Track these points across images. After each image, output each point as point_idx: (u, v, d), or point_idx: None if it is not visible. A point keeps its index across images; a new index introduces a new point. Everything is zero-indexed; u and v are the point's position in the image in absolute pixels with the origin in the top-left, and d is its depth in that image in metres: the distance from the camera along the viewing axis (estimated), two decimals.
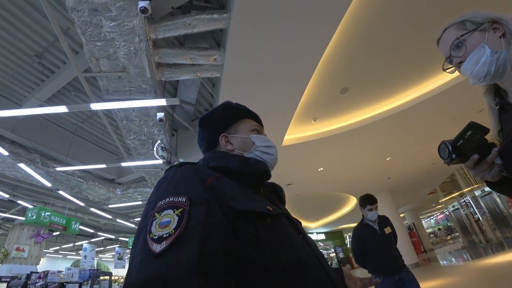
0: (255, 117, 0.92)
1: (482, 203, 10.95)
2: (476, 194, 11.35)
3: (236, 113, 0.89)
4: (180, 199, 0.53)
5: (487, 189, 10.61)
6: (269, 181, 0.83)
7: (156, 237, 0.47)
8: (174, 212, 0.50)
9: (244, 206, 0.57)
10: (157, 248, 0.45)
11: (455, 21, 0.85)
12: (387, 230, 2.77)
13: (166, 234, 0.47)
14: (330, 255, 22.39)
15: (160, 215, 0.50)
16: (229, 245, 0.50)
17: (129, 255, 13.04)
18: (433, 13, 3.83)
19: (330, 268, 0.66)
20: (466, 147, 0.75)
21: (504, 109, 0.80)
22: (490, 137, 0.79)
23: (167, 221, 0.49)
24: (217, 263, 0.46)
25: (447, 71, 0.90)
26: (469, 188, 11.44)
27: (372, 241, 2.76)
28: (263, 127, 0.94)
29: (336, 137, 6.26)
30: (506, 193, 0.89)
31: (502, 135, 0.81)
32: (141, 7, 2.57)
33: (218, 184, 0.60)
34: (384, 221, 2.85)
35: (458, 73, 0.87)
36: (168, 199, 0.53)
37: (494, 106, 0.83)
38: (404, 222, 17.25)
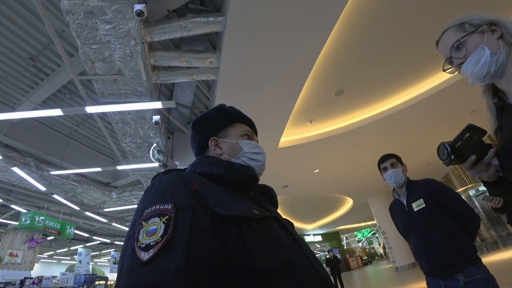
0: (248, 122, 0.92)
1: (476, 203, 11.05)
2: (471, 194, 11.45)
3: (228, 117, 0.88)
4: (166, 206, 0.53)
5: (481, 188, 10.73)
6: (260, 183, 0.83)
7: (143, 245, 0.48)
8: (160, 219, 0.51)
9: (228, 211, 0.57)
10: (144, 256, 0.46)
11: (454, 23, 0.87)
12: (418, 204, 1.72)
13: (153, 242, 0.48)
14: (327, 256, 22.41)
15: (147, 223, 0.51)
16: (216, 249, 0.51)
17: None
18: (425, 16, 3.89)
19: (322, 268, 0.66)
20: (464, 149, 0.78)
21: (505, 110, 0.82)
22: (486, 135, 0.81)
23: (154, 229, 0.50)
24: (204, 268, 0.47)
25: (447, 71, 0.92)
26: (463, 188, 11.54)
27: (400, 224, 1.89)
28: (256, 132, 0.94)
29: (332, 139, 6.30)
30: (502, 193, 0.91)
31: (501, 135, 0.83)
32: (137, 10, 2.58)
33: (203, 190, 0.61)
34: (419, 189, 1.78)
35: (453, 74, 0.90)
36: (154, 207, 0.54)
37: (493, 105, 0.86)
38: None
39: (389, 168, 1.86)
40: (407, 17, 3.91)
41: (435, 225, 1.65)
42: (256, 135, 0.94)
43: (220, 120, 0.88)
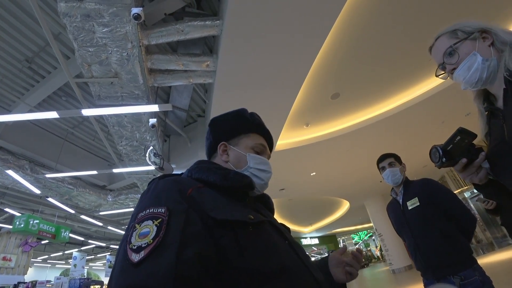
0: (265, 134, 0.88)
1: (472, 205, 11.13)
2: (466, 196, 11.54)
3: (246, 124, 0.85)
4: (159, 210, 0.54)
5: (476, 190, 10.84)
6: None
7: (135, 247, 0.48)
8: (153, 222, 0.51)
9: (223, 215, 0.58)
10: (135, 257, 0.47)
11: (447, 30, 0.89)
12: (412, 203, 1.74)
13: (145, 244, 0.48)
14: None
15: (140, 226, 0.52)
16: (209, 252, 0.51)
17: None
18: (421, 20, 3.94)
19: (317, 272, 0.67)
20: (455, 152, 0.80)
21: (493, 114, 0.84)
22: (478, 139, 0.83)
23: (146, 231, 0.50)
24: (195, 270, 0.47)
25: (440, 77, 0.94)
26: (458, 190, 11.63)
27: (394, 222, 1.94)
28: (271, 147, 0.90)
29: (328, 142, 6.32)
30: (492, 195, 0.93)
31: (490, 138, 0.85)
32: (134, 13, 2.58)
33: (199, 195, 0.61)
34: (416, 188, 1.80)
35: (448, 79, 0.91)
36: (148, 210, 0.54)
37: (483, 110, 0.88)
38: None
39: (387, 168, 1.89)
40: (403, 21, 3.96)
41: (429, 224, 1.65)
42: (271, 150, 0.90)
43: (237, 125, 0.85)
